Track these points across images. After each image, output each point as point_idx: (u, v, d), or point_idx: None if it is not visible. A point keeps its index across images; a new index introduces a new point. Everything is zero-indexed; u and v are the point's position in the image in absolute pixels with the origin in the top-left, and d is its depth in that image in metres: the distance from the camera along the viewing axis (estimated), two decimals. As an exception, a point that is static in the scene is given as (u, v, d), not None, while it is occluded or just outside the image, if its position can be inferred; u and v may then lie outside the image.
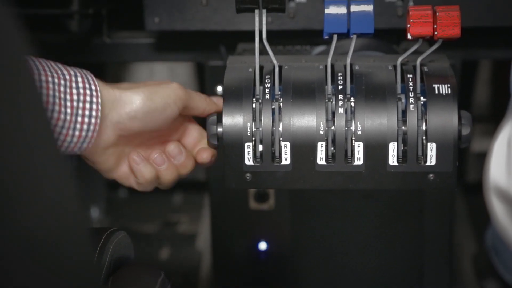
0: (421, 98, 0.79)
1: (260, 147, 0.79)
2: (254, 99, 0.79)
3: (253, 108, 0.79)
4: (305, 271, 1.16)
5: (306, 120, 0.79)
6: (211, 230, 1.18)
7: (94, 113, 0.75)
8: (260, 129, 0.79)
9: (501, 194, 0.46)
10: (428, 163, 0.78)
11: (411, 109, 0.78)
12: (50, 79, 0.73)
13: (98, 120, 0.76)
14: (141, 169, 0.82)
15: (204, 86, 1.12)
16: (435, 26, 0.78)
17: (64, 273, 0.47)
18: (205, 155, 0.85)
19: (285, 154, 0.79)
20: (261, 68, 0.82)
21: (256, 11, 0.78)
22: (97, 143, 0.78)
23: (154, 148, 0.84)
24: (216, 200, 1.16)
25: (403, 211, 1.13)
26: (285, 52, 1.02)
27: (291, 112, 0.79)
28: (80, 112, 0.75)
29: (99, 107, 0.76)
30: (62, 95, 0.74)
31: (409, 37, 0.79)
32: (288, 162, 0.79)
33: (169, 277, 0.79)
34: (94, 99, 0.75)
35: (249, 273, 1.18)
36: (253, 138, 0.79)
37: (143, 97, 0.78)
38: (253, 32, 0.79)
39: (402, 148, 0.78)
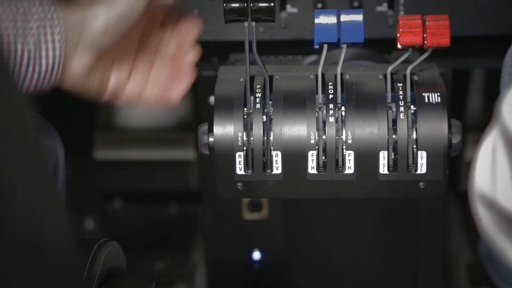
0: (411, 107, 0.79)
1: (251, 157, 0.79)
2: (245, 109, 0.80)
3: (244, 117, 0.79)
4: (299, 280, 1.17)
5: (297, 129, 0.79)
6: (205, 241, 1.18)
7: (57, 36, 0.71)
8: (251, 138, 0.79)
9: (486, 202, 0.46)
10: (418, 172, 0.79)
11: (401, 117, 0.79)
12: (7, 11, 0.69)
13: (64, 44, 0.71)
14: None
15: (197, 96, 1.13)
16: (425, 35, 0.79)
17: (50, 286, 0.47)
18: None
19: (276, 164, 0.79)
20: (252, 78, 0.82)
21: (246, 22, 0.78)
22: (77, 70, 0.74)
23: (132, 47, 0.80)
24: (210, 211, 1.16)
25: (396, 220, 1.13)
26: (277, 62, 1.02)
27: (282, 122, 0.79)
28: (43, 39, 0.70)
29: (62, 29, 0.71)
30: (22, 25, 0.69)
31: (399, 46, 0.80)
32: (279, 171, 0.79)
33: (164, 288, 0.79)
34: (56, 22, 0.71)
35: (243, 283, 1.18)
36: (244, 148, 0.79)
37: (107, 8, 0.73)
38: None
39: (392, 156, 0.79)
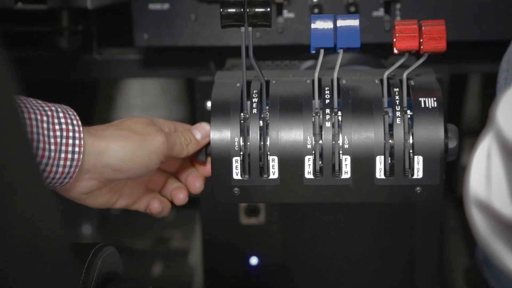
0: (408, 111, 0.79)
1: (248, 162, 0.79)
2: (241, 114, 0.80)
3: (240, 122, 0.80)
4: (296, 285, 1.16)
5: (293, 134, 0.79)
6: (202, 246, 1.18)
7: (77, 148, 0.75)
8: (248, 143, 0.79)
9: (481, 206, 0.46)
10: (415, 176, 0.79)
11: (397, 122, 0.79)
12: (32, 116, 0.73)
13: (81, 156, 0.75)
14: None
15: (194, 101, 1.13)
16: (421, 40, 0.79)
17: None
18: (182, 195, 0.88)
19: (272, 168, 0.79)
20: (249, 83, 0.82)
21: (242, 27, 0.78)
22: (81, 190, 0.79)
23: (139, 189, 0.87)
24: (207, 216, 1.16)
25: (393, 225, 1.13)
26: (274, 67, 1.02)
27: (279, 127, 0.79)
28: (63, 148, 0.74)
29: (82, 142, 0.75)
30: (46, 132, 0.73)
31: (395, 51, 0.80)
32: (276, 176, 0.79)
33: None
34: (77, 134, 0.75)
35: (241, 288, 1.18)
36: (241, 153, 0.79)
37: (128, 152, 0.78)
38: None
39: (389, 161, 0.79)
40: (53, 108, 0.76)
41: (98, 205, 0.84)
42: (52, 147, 0.74)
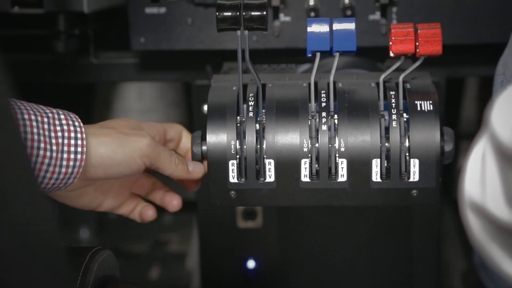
0: (404, 115, 0.79)
1: (244, 165, 0.79)
2: (238, 117, 0.80)
3: (237, 126, 0.80)
4: (293, 289, 1.16)
5: (290, 137, 0.79)
6: (199, 249, 1.18)
7: (79, 148, 0.75)
8: (244, 146, 0.79)
9: (476, 209, 0.46)
10: (411, 179, 0.79)
11: (393, 125, 0.79)
12: (33, 117, 0.73)
13: (84, 156, 0.75)
14: None
15: (191, 105, 1.13)
16: (417, 43, 0.79)
17: None
18: (175, 202, 0.90)
19: (269, 172, 0.79)
20: (245, 86, 0.82)
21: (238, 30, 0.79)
22: (65, 190, 0.79)
23: (124, 192, 0.88)
24: (204, 219, 1.16)
25: (391, 228, 1.13)
26: (271, 71, 1.02)
27: (275, 130, 0.79)
28: (65, 148, 0.74)
29: (84, 142, 0.75)
30: (47, 133, 0.73)
31: (391, 54, 0.80)
32: (272, 179, 0.79)
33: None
34: (79, 135, 0.75)
35: (238, 291, 1.18)
36: (237, 156, 0.79)
37: (107, 148, 0.78)
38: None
39: (385, 164, 0.79)
40: (54, 110, 0.76)
41: (81, 205, 0.84)
42: (54, 147, 0.74)
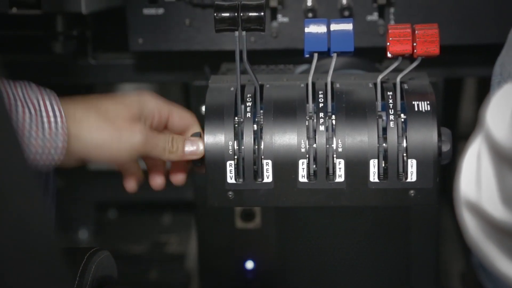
0: (401, 115, 0.79)
1: (242, 165, 0.79)
2: (236, 118, 0.80)
3: (235, 126, 0.80)
4: (292, 289, 1.16)
5: (287, 138, 0.79)
6: (198, 250, 1.18)
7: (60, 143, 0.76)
8: (242, 147, 0.79)
9: (472, 208, 0.46)
10: (408, 180, 0.79)
11: (391, 126, 0.79)
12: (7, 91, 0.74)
13: (65, 121, 0.76)
14: None
15: (189, 106, 1.13)
16: (414, 44, 0.79)
17: None
18: (181, 176, 0.87)
19: (267, 172, 0.79)
20: (243, 87, 0.82)
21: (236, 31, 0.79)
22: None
23: None
24: (203, 220, 1.16)
25: (389, 229, 1.13)
26: (269, 71, 1.02)
27: (273, 130, 0.79)
28: (43, 108, 0.75)
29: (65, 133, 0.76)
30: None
31: (388, 55, 0.80)
32: (270, 180, 0.79)
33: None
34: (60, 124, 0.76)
35: (237, 292, 1.18)
36: (235, 157, 0.79)
37: (97, 143, 0.78)
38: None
39: (383, 165, 0.79)
40: (37, 107, 0.76)
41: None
42: (32, 108, 0.75)
